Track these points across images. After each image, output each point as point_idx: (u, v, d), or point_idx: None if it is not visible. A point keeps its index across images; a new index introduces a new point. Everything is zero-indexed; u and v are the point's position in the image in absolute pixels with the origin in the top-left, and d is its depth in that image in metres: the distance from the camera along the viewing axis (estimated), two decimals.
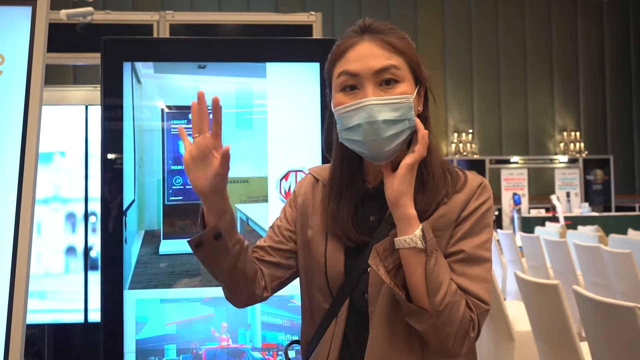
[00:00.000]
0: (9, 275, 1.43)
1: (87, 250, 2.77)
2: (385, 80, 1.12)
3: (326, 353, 1.16)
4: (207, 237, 1.10)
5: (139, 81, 1.84)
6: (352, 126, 1.11)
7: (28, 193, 1.47)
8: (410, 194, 1.11)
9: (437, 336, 1.08)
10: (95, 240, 2.78)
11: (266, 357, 1.81)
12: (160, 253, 1.81)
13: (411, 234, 1.08)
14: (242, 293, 1.19)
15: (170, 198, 1.84)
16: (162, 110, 1.85)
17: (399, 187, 1.10)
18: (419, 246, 1.07)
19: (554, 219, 9.33)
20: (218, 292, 1.82)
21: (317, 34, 3.36)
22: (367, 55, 1.12)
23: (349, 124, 1.12)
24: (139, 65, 1.85)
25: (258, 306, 1.82)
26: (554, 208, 9.63)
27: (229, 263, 1.14)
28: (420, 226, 1.09)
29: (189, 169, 1.09)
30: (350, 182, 1.20)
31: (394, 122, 1.11)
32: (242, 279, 1.17)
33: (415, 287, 1.08)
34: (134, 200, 1.82)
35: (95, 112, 2.83)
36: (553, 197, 9.75)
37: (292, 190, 1.32)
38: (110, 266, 1.78)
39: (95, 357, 2.96)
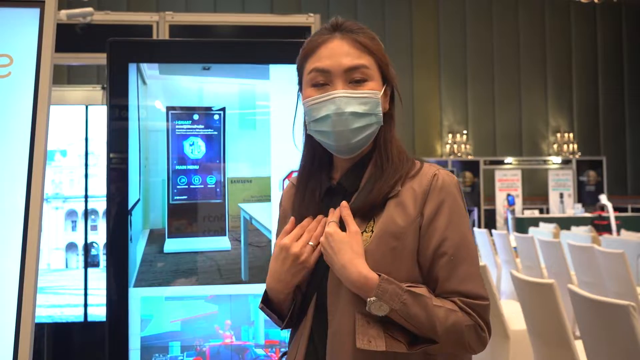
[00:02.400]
0: (19, 271, 1.45)
1: (87, 248, 2.79)
2: (355, 79, 1.14)
3: (294, 353, 1.17)
4: (291, 320, 1.19)
5: (144, 82, 1.87)
6: (321, 117, 1.14)
7: (37, 190, 1.49)
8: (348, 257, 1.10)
9: (450, 353, 1.10)
10: (95, 238, 2.80)
11: (269, 353, 1.84)
12: (165, 251, 1.84)
13: (368, 302, 1.06)
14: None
15: (175, 197, 1.86)
16: (167, 110, 1.88)
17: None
18: (383, 312, 1.06)
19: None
20: (221, 290, 1.85)
21: None
22: (338, 53, 1.15)
23: (318, 115, 1.14)
24: (144, 66, 1.87)
25: None
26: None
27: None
28: (370, 298, 1.06)
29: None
30: (317, 175, 1.22)
31: (361, 115, 1.13)
32: None
33: (413, 330, 1.07)
34: (139, 200, 1.85)
35: (95, 112, 2.85)
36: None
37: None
38: (115, 264, 1.80)
39: (94, 355, 2.98)
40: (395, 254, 1.10)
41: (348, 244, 1.10)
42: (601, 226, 8.83)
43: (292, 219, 1.20)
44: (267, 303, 1.22)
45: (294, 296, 1.20)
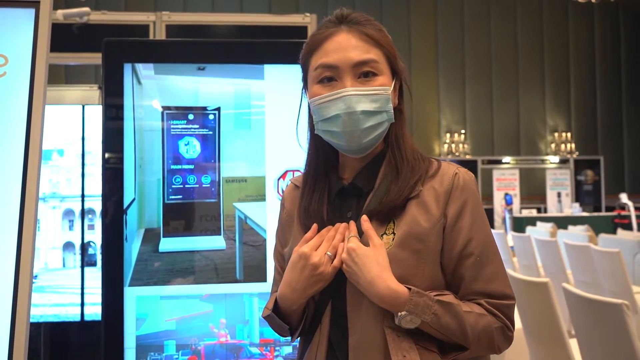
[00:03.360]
0: (14, 270, 1.46)
1: (84, 247, 2.80)
2: (363, 73, 1.09)
3: None
4: (302, 330, 1.15)
5: (139, 82, 1.87)
6: (330, 117, 1.08)
7: (32, 190, 1.50)
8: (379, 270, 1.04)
9: (480, 356, 1.09)
10: (92, 238, 2.81)
11: (264, 352, 1.85)
12: (160, 251, 1.84)
13: (399, 317, 1.03)
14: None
15: (170, 197, 1.87)
16: (163, 110, 1.89)
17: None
18: (414, 325, 1.03)
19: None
20: (216, 289, 1.86)
21: None
22: (345, 46, 1.09)
23: (327, 114, 1.09)
24: (140, 66, 1.88)
25: (256, 302, 1.85)
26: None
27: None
28: (401, 312, 1.02)
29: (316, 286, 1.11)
30: (324, 175, 1.17)
31: (373, 114, 1.08)
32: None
33: (443, 339, 1.05)
34: (134, 199, 1.85)
35: (92, 112, 2.86)
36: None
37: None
38: (111, 263, 1.81)
39: (91, 355, 2.99)
40: (419, 257, 1.06)
41: (374, 258, 1.04)
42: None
43: (314, 226, 1.13)
44: (277, 312, 1.16)
45: (305, 308, 1.14)
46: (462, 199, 1.10)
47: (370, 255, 1.04)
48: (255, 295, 1.85)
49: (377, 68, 1.10)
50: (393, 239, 1.08)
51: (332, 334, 1.10)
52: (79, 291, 2.76)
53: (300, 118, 1.21)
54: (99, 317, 2.55)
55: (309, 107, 1.17)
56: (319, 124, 1.12)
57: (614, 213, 9.69)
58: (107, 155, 1.85)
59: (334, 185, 1.16)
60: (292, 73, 1.94)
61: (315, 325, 1.12)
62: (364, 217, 1.08)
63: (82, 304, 2.75)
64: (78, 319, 2.76)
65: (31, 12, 1.62)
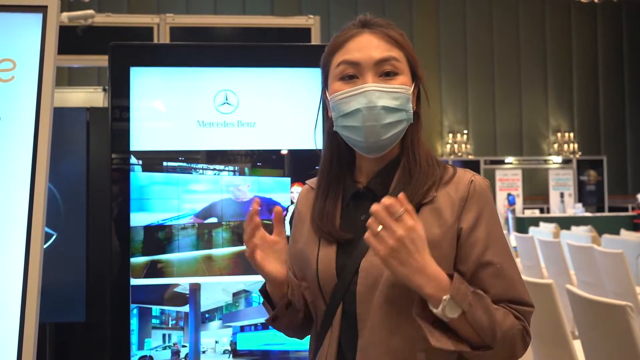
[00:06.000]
0: (22, 272, 1.47)
1: (88, 247, 2.80)
2: (385, 71, 1.10)
3: None
4: (281, 310, 1.16)
5: (144, 84, 1.89)
6: (350, 111, 1.09)
7: (40, 193, 1.51)
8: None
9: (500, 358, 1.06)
10: None
11: None
12: None
13: (443, 302, 0.99)
14: (306, 327, 1.22)
15: None
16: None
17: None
18: (455, 314, 1.00)
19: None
20: None
21: (315, 37, 3.40)
22: (367, 45, 1.11)
23: (347, 109, 1.09)
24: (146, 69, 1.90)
25: None
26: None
27: (301, 316, 1.18)
28: (445, 296, 0.99)
29: (261, 264, 1.13)
30: (339, 177, 1.17)
31: (393, 111, 1.09)
32: (305, 318, 1.19)
33: (470, 337, 1.03)
34: None
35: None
36: None
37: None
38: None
39: (96, 355, 3.00)
40: None
41: (426, 242, 1.00)
42: None
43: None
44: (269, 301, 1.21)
45: (287, 293, 1.17)
46: (478, 207, 1.09)
47: (424, 237, 1.00)
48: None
49: (399, 67, 1.11)
50: None
51: (343, 336, 1.11)
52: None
53: (318, 117, 1.22)
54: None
55: (325, 109, 1.18)
56: (338, 119, 1.12)
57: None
58: (113, 156, 1.86)
59: (348, 188, 1.16)
60: (302, 76, 1.96)
61: (327, 326, 1.12)
62: (401, 195, 1.00)
63: (86, 305, 2.76)
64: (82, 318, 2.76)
65: (39, 16, 1.64)
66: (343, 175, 1.17)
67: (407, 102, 1.11)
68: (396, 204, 0.98)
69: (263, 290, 1.21)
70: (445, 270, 1.02)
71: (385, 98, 1.08)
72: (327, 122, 1.18)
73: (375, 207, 0.98)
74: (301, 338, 1.27)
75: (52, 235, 2.03)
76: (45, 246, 1.97)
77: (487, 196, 1.12)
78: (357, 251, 1.09)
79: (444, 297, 0.99)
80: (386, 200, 0.98)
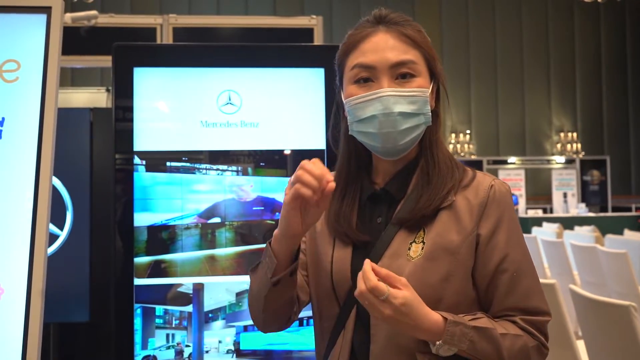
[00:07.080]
0: (27, 272, 1.47)
1: (91, 247, 2.81)
2: (401, 74, 1.07)
3: None
4: (285, 276, 1.06)
5: (148, 84, 1.89)
6: (366, 117, 1.06)
7: (44, 194, 1.51)
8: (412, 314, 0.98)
9: None
10: None
11: None
12: None
13: (436, 345, 1.00)
14: (282, 320, 1.15)
15: None
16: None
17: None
18: (450, 353, 1.01)
19: None
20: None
21: (318, 37, 3.40)
22: (383, 47, 1.07)
23: (363, 115, 1.06)
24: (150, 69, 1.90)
25: None
26: None
27: (291, 293, 1.11)
28: (438, 342, 1.00)
29: (289, 212, 1.01)
30: (356, 179, 1.14)
31: (410, 116, 1.06)
32: (290, 307, 1.13)
33: None
34: None
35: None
36: None
37: None
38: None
39: (100, 355, 3.00)
40: (448, 271, 1.04)
41: (416, 301, 0.98)
42: None
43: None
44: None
45: (294, 257, 1.07)
46: (498, 213, 1.07)
47: (415, 300, 0.98)
48: None
49: (415, 69, 1.08)
50: (422, 248, 1.05)
51: (355, 339, 1.08)
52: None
53: (332, 118, 1.19)
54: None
55: (343, 108, 1.14)
56: (353, 124, 1.09)
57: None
58: (117, 157, 1.87)
59: (365, 189, 1.14)
60: (306, 76, 1.96)
61: (339, 328, 1.10)
62: (367, 262, 0.98)
63: (91, 305, 2.76)
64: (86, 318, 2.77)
65: (43, 17, 1.64)
66: (360, 176, 1.15)
67: (424, 105, 1.08)
68: (380, 287, 0.94)
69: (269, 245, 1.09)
70: (462, 280, 1.04)
71: (401, 103, 1.05)
72: (343, 121, 1.14)
73: (359, 291, 0.95)
74: (270, 329, 1.18)
75: (58, 235, 2.04)
76: (54, 248, 1.99)
77: (507, 201, 1.09)
78: (373, 254, 1.07)
79: (437, 342, 1.00)
80: (370, 282, 0.94)
